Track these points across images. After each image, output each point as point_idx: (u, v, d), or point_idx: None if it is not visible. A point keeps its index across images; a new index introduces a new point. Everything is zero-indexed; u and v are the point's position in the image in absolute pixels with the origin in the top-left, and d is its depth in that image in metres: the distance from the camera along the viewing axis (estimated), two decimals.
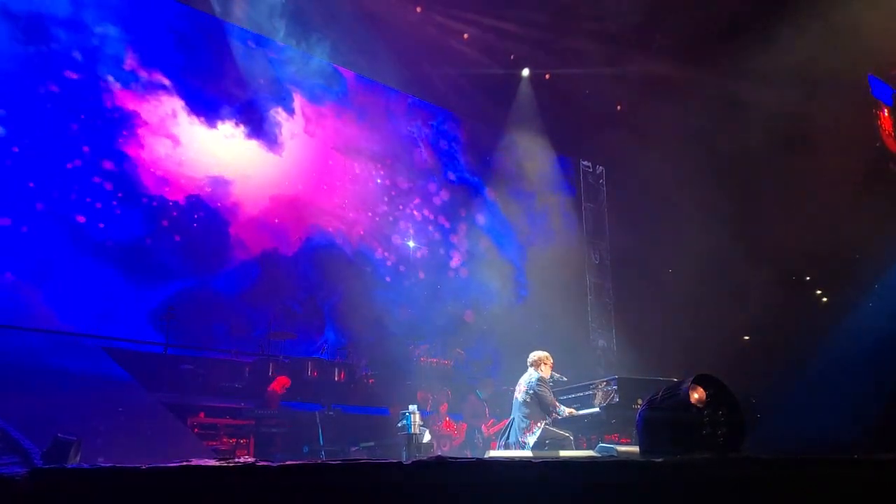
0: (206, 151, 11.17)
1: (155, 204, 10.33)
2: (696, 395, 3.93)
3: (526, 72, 13.29)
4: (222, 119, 11.45)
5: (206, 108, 11.33)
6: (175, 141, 10.86)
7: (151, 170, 10.46)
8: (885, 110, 11.75)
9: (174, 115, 10.95)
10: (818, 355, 10.65)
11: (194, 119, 11.13)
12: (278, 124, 12.17)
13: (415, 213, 13.50)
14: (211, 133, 11.28)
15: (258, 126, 11.87)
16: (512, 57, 12.89)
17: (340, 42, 11.92)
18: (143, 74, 10.69)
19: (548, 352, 7.79)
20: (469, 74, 12.68)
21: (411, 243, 13.28)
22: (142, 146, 10.44)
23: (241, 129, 11.68)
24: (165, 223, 10.37)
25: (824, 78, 10.37)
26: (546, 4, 11.26)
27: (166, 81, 10.98)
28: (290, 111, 12.48)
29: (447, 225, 13.87)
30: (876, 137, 11.73)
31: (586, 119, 13.86)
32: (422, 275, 13.02)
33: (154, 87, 10.83)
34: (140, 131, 10.48)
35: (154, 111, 10.73)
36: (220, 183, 11.16)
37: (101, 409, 7.48)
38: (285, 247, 11.57)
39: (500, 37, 12.03)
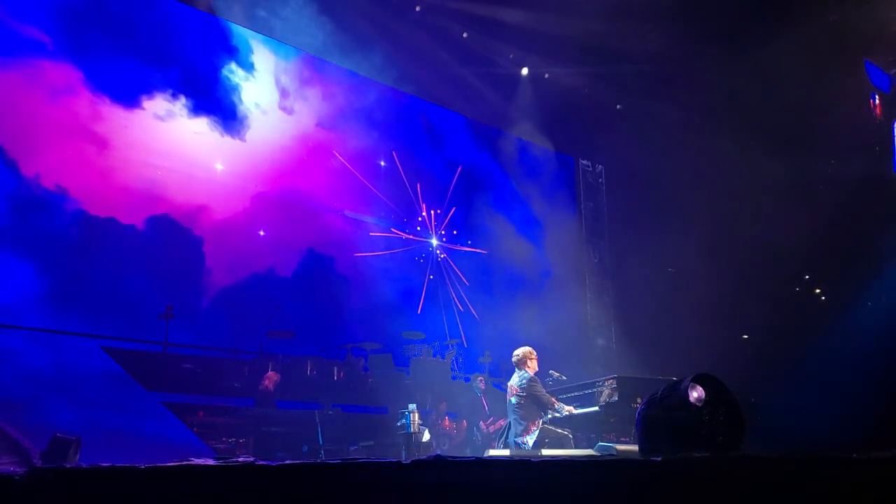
0: (134, 142, 8.23)
1: (76, 232, 7.81)
2: (696, 394, 3.93)
3: (525, 71, 13.27)
4: (149, 92, 8.35)
5: (121, 78, 8.07)
6: (85, 134, 7.84)
7: (52, 183, 7.52)
8: (878, 98, 11.70)
9: (71, 91, 7.73)
10: (817, 354, 10.65)
11: (104, 98, 8.02)
12: (233, 89, 9.25)
13: (421, 200, 12.42)
14: (135, 115, 8.26)
15: (207, 94, 8.83)
16: (511, 56, 12.88)
17: (333, 37, 10.74)
18: (13, 27, 7.29)
19: (531, 347, 7.64)
20: (467, 73, 12.64)
21: (434, 241, 12.50)
22: (35, 149, 7.42)
23: (182, 102, 8.62)
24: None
25: (822, 68, 10.37)
26: (545, 3, 11.25)
27: (45, 38, 7.52)
28: (248, 67, 9.50)
29: (456, 210, 13.04)
30: (873, 128, 11.71)
31: (585, 118, 13.85)
32: (427, 269, 12.52)
33: (31, 51, 7.35)
34: (23, 125, 7.35)
35: (39, 90, 7.45)
36: (161, 187, 8.55)
37: (100, 409, 7.48)
38: (280, 266, 10.04)
39: (499, 35, 12.02)
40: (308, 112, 10.61)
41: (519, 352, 7.56)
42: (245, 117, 9.51)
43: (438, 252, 12.97)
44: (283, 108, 10.29)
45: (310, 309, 10.56)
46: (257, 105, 9.87)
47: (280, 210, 10.29)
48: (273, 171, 10.14)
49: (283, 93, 10.20)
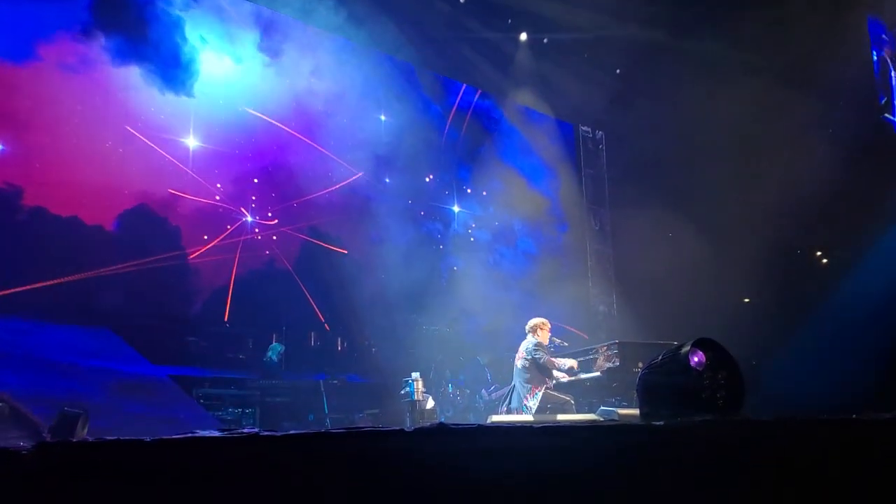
0: (42, 109, 6.08)
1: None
2: (696, 358, 3.95)
3: (524, 36, 13.08)
4: (45, 34, 5.87)
5: None
6: None
7: None
8: (878, 54, 11.48)
9: None
10: (818, 317, 10.69)
11: None
12: (175, 24, 6.93)
13: (428, 152, 11.62)
14: (32, 71, 5.98)
15: (136, 31, 6.22)
16: (510, 21, 12.68)
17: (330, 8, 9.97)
18: None
19: (545, 318, 7.89)
20: (465, 39, 12.44)
21: (456, 208, 11.84)
22: None
23: (100, 42, 6.03)
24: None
25: (827, 23, 10.20)
26: None
27: None
28: None
29: (463, 166, 12.54)
30: (873, 85, 11.53)
31: (585, 84, 13.68)
32: (439, 235, 12.10)
33: None
34: None
35: None
36: (104, 170, 6.87)
37: (107, 382, 7.53)
38: (278, 252, 9.35)
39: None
40: (297, 57, 9.00)
41: (533, 321, 7.87)
42: (192, 62, 7.28)
43: (455, 218, 12.72)
44: (266, 51, 8.60)
45: (315, 290, 10.26)
46: (213, 45, 7.75)
47: (268, 183, 9.65)
48: (256, 136, 9.09)
49: (266, 30, 8.16)
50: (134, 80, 7.04)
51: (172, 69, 7.21)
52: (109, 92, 6.96)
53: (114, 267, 7.79)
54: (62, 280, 7.38)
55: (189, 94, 7.59)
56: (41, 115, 6.57)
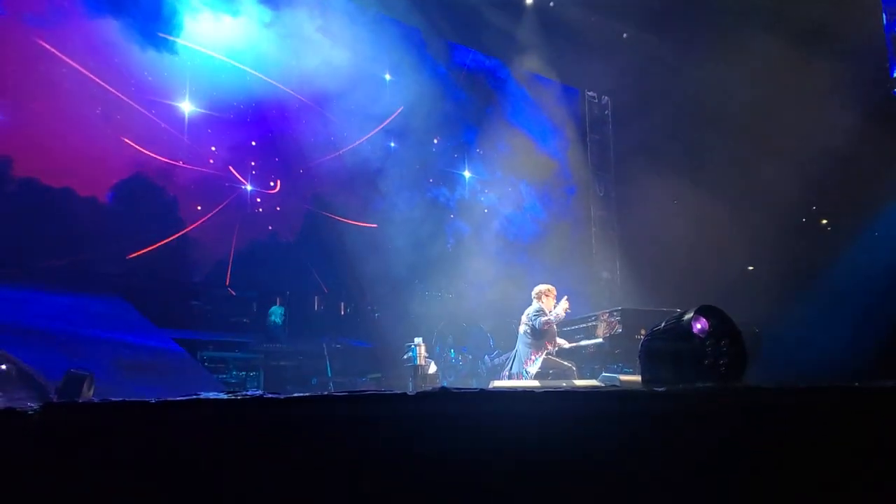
0: (21, 68, 5.84)
1: None
2: (699, 325, 3.95)
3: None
4: None
5: None
6: None
7: None
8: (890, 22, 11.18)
9: None
10: (822, 285, 10.68)
11: None
12: None
13: (434, 114, 11.27)
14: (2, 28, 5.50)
15: None
16: None
17: None
18: None
19: (551, 285, 7.91)
20: (472, 2, 12.19)
21: (467, 174, 11.64)
22: None
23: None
24: None
25: None
26: None
27: None
28: None
29: (470, 128, 12.29)
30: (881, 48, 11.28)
31: (591, 48, 13.45)
32: (437, 204, 11.95)
33: None
34: None
35: None
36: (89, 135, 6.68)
37: (109, 355, 7.56)
38: (281, 223, 9.19)
39: None
40: (300, 17, 8.94)
41: (539, 287, 7.90)
42: (174, 14, 6.88)
43: (462, 182, 12.54)
44: (267, 4, 8.41)
45: (319, 256, 10.18)
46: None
47: (269, 150, 9.54)
48: (257, 100, 9.00)
49: None
50: (113, 36, 6.69)
51: (154, 22, 6.81)
52: (91, 50, 6.70)
53: (112, 239, 7.78)
54: (66, 256, 7.32)
55: (172, 52, 7.23)
56: (19, 78, 6.34)
